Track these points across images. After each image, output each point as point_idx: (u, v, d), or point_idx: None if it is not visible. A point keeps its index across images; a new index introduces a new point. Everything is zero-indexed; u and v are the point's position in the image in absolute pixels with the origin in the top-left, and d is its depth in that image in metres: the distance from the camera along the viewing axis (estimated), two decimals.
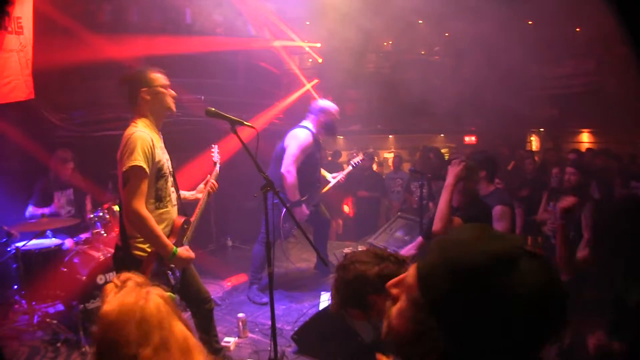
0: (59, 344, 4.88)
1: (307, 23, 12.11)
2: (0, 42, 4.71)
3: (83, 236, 5.65)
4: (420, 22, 13.98)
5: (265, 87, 10.03)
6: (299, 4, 10.32)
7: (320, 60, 12.23)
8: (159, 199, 3.57)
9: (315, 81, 11.67)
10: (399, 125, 13.87)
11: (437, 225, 4.11)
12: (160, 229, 3.47)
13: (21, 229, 5.43)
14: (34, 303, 5.24)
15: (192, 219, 3.90)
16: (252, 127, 3.81)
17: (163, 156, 3.60)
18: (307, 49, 11.78)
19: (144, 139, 3.37)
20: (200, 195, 4.12)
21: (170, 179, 3.74)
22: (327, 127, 6.22)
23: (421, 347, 0.97)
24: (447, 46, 14.74)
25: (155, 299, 1.67)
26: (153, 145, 3.42)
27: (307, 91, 11.40)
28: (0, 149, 6.10)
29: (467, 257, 0.94)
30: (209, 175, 4.22)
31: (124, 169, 3.33)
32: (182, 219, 3.77)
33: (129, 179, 3.33)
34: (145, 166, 3.33)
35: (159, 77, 3.66)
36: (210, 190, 4.13)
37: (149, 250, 3.52)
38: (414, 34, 14.20)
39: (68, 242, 5.73)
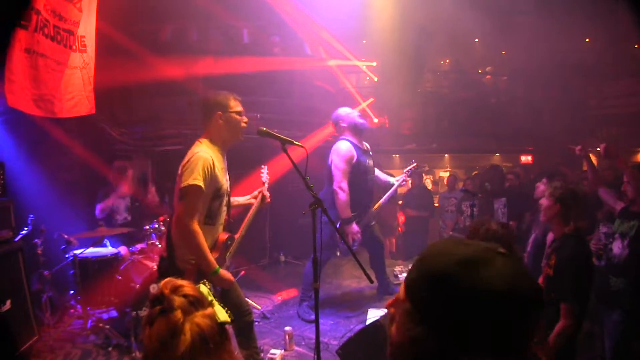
0: (110, 349, 5.05)
1: (364, 42, 12.18)
2: (66, 59, 4.87)
3: (139, 246, 5.85)
4: (476, 40, 13.88)
5: (320, 105, 10.03)
6: (355, 23, 10.36)
7: (375, 79, 12.23)
8: (209, 217, 3.68)
9: (371, 100, 11.64)
10: (454, 145, 13.68)
11: None
12: (207, 246, 3.56)
13: (80, 236, 5.68)
14: (88, 308, 5.47)
15: (236, 236, 3.98)
16: (301, 146, 3.83)
17: (223, 178, 3.71)
18: (363, 67, 11.81)
19: (206, 159, 3.51)
20: (253, 201, 4.20)
21: (225, 199, 3.85)
22: (354, 128, 6.09)
23: (415, 354, 1.05)
24: (504, 65, 14.55)
25: None
26: (214, 166, 3.55)
27: (363, 110, 11.39)
28: (64, 162, 6.38)
29: (438, 264, 1.05)
30: (261, 188, 4.29)
31: (182, 185, 3.47)
32: (226, 235, 3.86)
33: (186, 195, 3.47)
34: (203, 185, 3.46)
35: (236, 104, 3.81)
36: (262, 207, 4.20)
37: (192, 262, 3.62)
38: (471, 53, 14.10)
39: (123, 250, 5.97)
